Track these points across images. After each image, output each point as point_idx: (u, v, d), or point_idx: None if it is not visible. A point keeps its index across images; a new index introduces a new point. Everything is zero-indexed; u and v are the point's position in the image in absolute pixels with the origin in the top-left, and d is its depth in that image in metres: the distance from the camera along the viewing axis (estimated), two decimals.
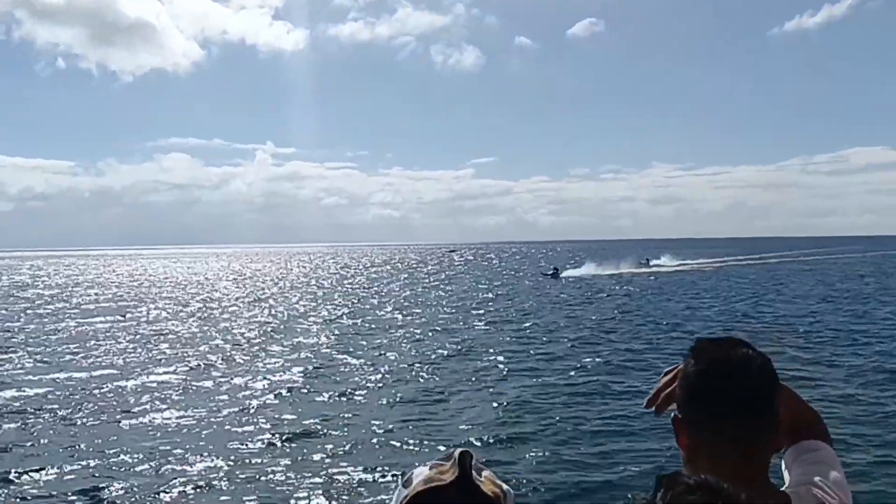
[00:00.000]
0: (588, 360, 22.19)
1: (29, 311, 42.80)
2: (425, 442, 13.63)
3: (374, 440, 13.92)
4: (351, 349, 25.81)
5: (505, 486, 1.36)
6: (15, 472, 12.09)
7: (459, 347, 25.66)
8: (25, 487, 11.54)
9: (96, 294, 58.53)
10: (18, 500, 11.08)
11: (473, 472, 1.31)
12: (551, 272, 68.06)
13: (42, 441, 14.23)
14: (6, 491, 11.40)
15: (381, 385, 19.48)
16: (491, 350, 24.71)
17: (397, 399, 17.55)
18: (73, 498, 11.09)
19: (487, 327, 31.93)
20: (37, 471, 12.21)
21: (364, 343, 27.48)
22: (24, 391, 18.88)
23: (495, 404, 16.70)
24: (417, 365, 22.26)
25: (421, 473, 1.35)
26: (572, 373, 20.27)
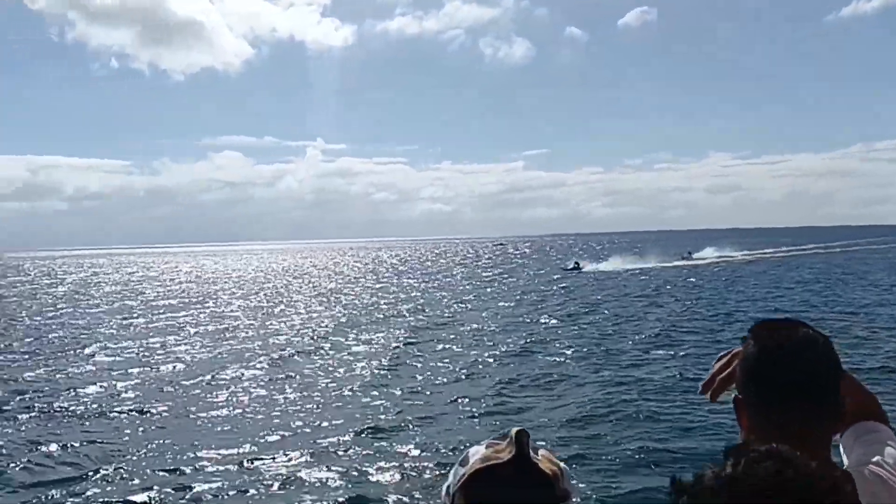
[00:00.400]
0: (658, 353, 21.70)
1: (100, 308, 43.85)
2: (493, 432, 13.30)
3: (446, 431, 13.98)
4: (419, 342, 25.70)
5: (562, 464, 1.36)
6: (104, 466, 12.27)
7: (527, 341, 25.21)
8: (113, 482, 11.66)
9: (164, 290, 59.79)
10: (107, 493, 11.22)
11: (530, 451, 1.32)
12: (572, 266, 65.91)
13: (128, 435, 14.42)
14: (97, 485, 11.55)
15: (451, 377, 19.39)
16: (558, 344, 24.27)
17: (469, 390, 17.48)
18: (162, 491, 11.17)
19: (551, 320, 31.29)
20: (124, 465, 12.37)
21: (432, 336, 27.34)
22: (105, 386, 19.15)
23: (566, 398, 16.46)
24: (487, 357, 22.05)
25: (477, 452, 1.36)
26: (640, 367, 19.78)
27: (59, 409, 16.64)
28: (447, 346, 24.82)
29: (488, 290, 50.63)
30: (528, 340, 25.36)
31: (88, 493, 11.23)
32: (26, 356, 24.60)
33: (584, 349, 23.01)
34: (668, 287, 46.53)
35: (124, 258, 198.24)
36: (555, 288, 49.45)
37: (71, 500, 11.01)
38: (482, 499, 1.31)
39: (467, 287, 53.66)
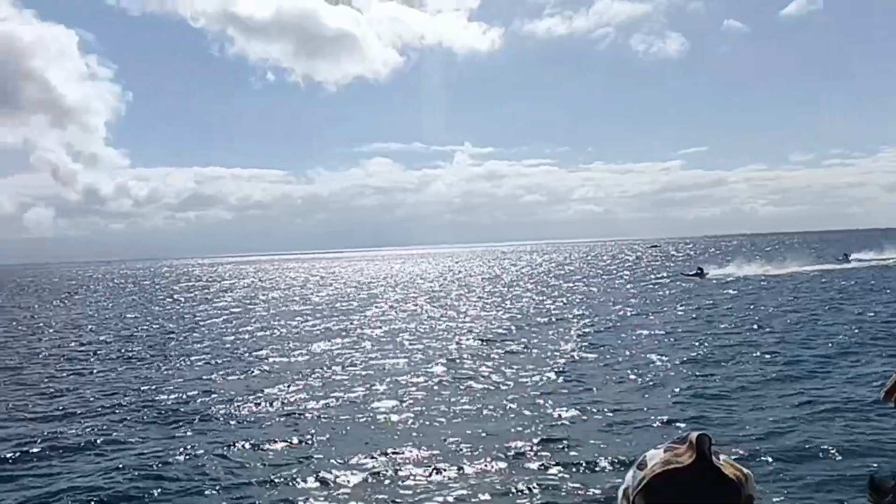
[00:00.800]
0: (836, 367, 19.37)
1: (268, 312, 45.29)
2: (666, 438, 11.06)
3: (621, 435, 13.72)
4: (590, 347, 24.67)
5: (745, 469, 1.35)
6: (288, 467, 12.36)
7: (697, 348, 23.32)
8: (293, 483, 11.67)
9: (326, 294, 61.23)
10: (291, 492, 11.26)
11: (712, 456, 1.30)
12: (695, 272, 59.72)
13: (308, 436, 14.33)
14: (267, 483, 11.63)
15: (624, 383, 18.68)
16: (730, 352, 22.24)
17: (642, 397, 16.86)
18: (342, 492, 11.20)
19: (716, 328, 28.30)
20: (304, 467, 12.44)
21: (600, 340, 26.15)
22: (287, 388, 19.22)
23: (741, 411, 15.12)
24: (658, 363, 20.98)
25: (655, 456, 1.35)
26: (818, 381, 17.75)
27: (242, 410, 16.83)
28: (617, 351, 23.67)
29: (642, 293, 47.42)
30: (699, 348, 23.43)
31: (274, 493, 11.30)
32: (207, 358, 25.25)
33: (760, 360, 20.86)
34: (813, 295, 41.40)
35: (284, 263, 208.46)
36: (713, 293, 45.64)
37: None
38: (664, 502, 1.30)
39: (630, 290, 50.60)
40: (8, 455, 13.63)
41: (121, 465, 12.84)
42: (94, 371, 23.39)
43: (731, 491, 1.28)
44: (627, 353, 23.06)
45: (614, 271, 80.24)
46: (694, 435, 1.31)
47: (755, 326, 27.88)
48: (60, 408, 17.92)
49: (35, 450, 14.01)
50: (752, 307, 35.04)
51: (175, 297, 65.07)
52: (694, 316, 32.65)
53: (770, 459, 11.65)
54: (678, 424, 14.27)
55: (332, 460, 12.73)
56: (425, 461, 12.39)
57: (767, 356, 21.21)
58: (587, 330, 29.14)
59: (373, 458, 12.67)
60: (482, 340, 27.32)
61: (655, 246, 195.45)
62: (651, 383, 18.33)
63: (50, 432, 15.33)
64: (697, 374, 19.17)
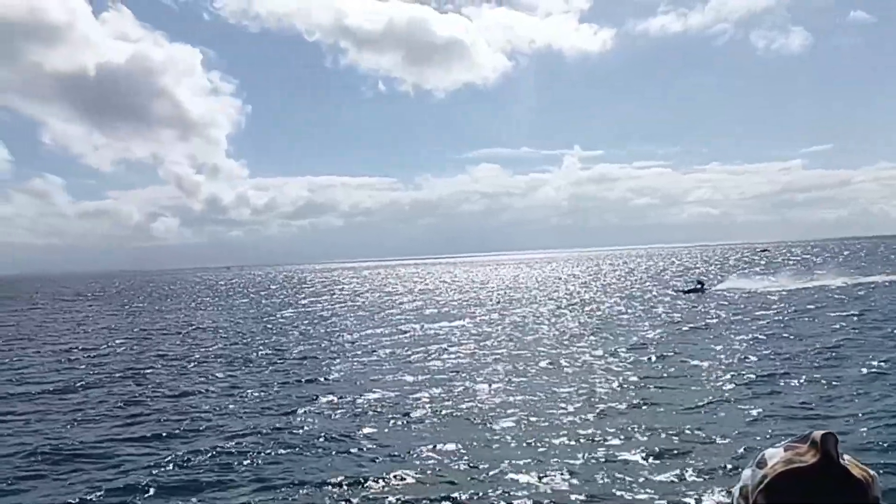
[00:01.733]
0: None
1: (386, 314, 46.77)
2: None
3: (732, 434, 14.00)
4: (701, 351, 24.46)
5: (871, 471, 1.31)
6: (398, 470, 12.71)
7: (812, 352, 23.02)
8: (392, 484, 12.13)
9: (437, 298, 62.54)
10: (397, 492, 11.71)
11: (837, 455, 1.27)
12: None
13: (412, 435, 14.85)
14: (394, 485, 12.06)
15: (736, 382, 19.07)
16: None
17: (754, 397, 17.18)
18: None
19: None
20: (402, 467, 12.88)
21: (711, 343, 25.89)
22: (399, 390, 19.95)
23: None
24: (770, 363, 21.27)
25: (775, 455, 1.33)
26: None
27: (360, 408, 17.84)
28: (729, 353, 23.66)
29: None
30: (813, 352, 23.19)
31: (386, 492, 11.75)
32: (331, 359, 26.78)
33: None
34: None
35: (394, 269, 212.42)
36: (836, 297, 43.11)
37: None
38: (787, 502, 1.27)
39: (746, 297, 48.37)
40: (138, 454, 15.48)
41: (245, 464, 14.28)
42: (252, 372, 25.44)
43: (858, 492, 1.25)
44: (743, 357, 22.80)
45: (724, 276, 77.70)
46: (818, 434, 1.29)
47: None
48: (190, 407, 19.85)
49: (159, 446, 15.82)
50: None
51: (305, 300, 68.40)
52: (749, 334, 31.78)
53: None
54: (786, 423, 14.36)
55: (423, 459, 13.49)
56: (519, 468, 12.60)
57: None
58: (699, 336, 28.86)
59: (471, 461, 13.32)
60: (604, 346, 27.45)
61: (766, 250, 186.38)
62: (758, 379, 18.46)
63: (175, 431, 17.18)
64: (806, 375, 18.91)
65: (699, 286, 53.61)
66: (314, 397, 19.66)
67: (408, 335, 33.83)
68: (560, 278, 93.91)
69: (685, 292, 52.50)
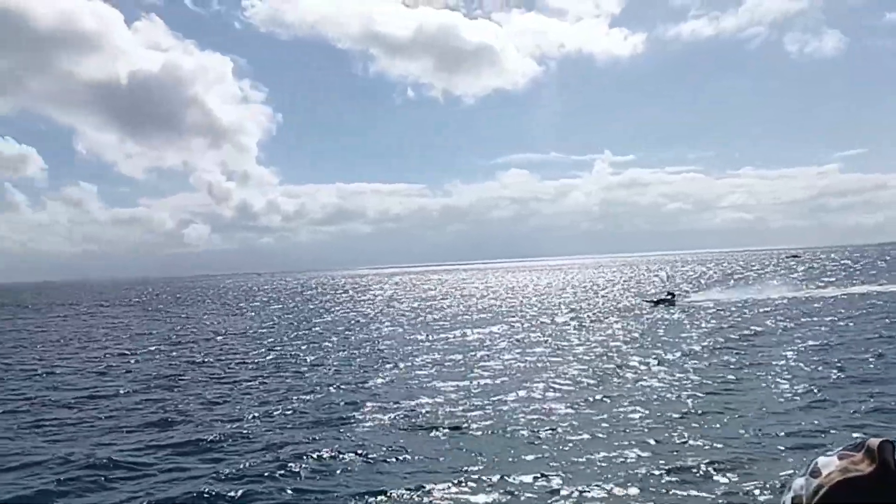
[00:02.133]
0: None
1: (417, 320, 46.45)
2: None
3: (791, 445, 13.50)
4: (753, 361, 23.52)
5: None
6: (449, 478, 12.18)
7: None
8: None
9: (468, 305, 62.12)
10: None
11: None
12: (660, 298, 50.58)
13: (449, 444, 14.31)
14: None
15: (788, 395, 18.21)
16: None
17: (805, 411, 16.42)
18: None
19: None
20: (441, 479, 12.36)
21: (765, 356, 24.62)
22: (436, 399, 19.38)
23: None
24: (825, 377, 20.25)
25: (829, 464, 1.29)
26: None
27: (410, 417, 17.20)
28: (782, 364, 22.67)
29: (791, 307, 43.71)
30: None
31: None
32: (373, 366, 26.26)
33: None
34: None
35: (424, 275, 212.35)
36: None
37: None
38: None
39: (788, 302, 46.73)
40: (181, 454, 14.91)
41: (289, 464, 13.64)
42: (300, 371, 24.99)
43: None
44: (796, 366, 21.96)
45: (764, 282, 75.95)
46: (874, 441, 1.25)
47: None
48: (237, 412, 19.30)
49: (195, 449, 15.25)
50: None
51: (340, 306, 68.14)
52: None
53: None
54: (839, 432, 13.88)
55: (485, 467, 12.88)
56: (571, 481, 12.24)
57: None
58: (745, 344, 27.83)
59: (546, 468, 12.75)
60: (641, 354, 26.72)
61: (796, 256, 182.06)
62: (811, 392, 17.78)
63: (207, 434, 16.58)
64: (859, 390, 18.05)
65: (670, 297, 50.50)
66: (359, 405, 19.01)
67: (450, 341, 33.21)
68: (596, 284, 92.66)
69: (654, 304, 49.29)
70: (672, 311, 44.27)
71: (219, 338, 40.05)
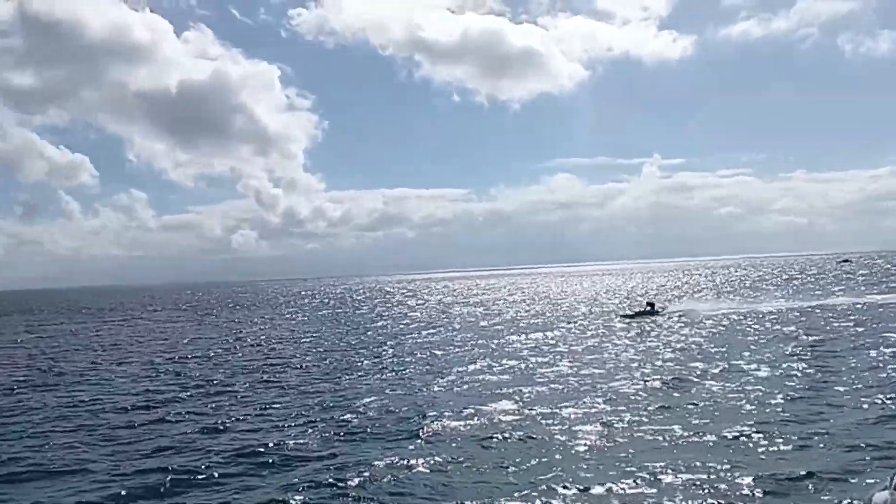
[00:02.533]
0: None
1: (467, 325, 45.92)
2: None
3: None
4: (816, 371, 22.34)
5: None
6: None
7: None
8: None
9: (518, 310, 61.24)
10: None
11: None
12: (638, 311, 47.25)
13: (507, 452, 13.65)
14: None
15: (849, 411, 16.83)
16: None
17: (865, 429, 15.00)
18: None
19: None
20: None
21: (821, 366, 23.32)
22: (519, 402, 18.72)
23: None
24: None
25: (881, 498, 1.22)
26: None
27: (483, 427, 16.49)
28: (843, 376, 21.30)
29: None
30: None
31: None
32: (437, 373, 25.39)
33: None
34: None
35: (472, 280, 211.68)
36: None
37: None
38: None
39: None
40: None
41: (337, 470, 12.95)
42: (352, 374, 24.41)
43: None
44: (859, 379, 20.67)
45: (823, 288, 73.22)
46: None
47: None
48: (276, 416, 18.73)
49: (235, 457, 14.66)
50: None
51: (393, 310, 67.92)
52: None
53: None
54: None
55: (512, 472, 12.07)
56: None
57: None
58: (807, 353, 26.50)
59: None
60: (699, 360, 25.56)
61: (847, 261, 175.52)
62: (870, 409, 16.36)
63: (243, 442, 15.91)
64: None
65: (649, 308, 47.37)
66: (420, 412, 18.30)
67: (505, 347, 32.44)
68: (651, 289, 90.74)
69: (630, 317, 45.91)
70: (737, 317, 42.54)
71: (271, 343, 39.86)
